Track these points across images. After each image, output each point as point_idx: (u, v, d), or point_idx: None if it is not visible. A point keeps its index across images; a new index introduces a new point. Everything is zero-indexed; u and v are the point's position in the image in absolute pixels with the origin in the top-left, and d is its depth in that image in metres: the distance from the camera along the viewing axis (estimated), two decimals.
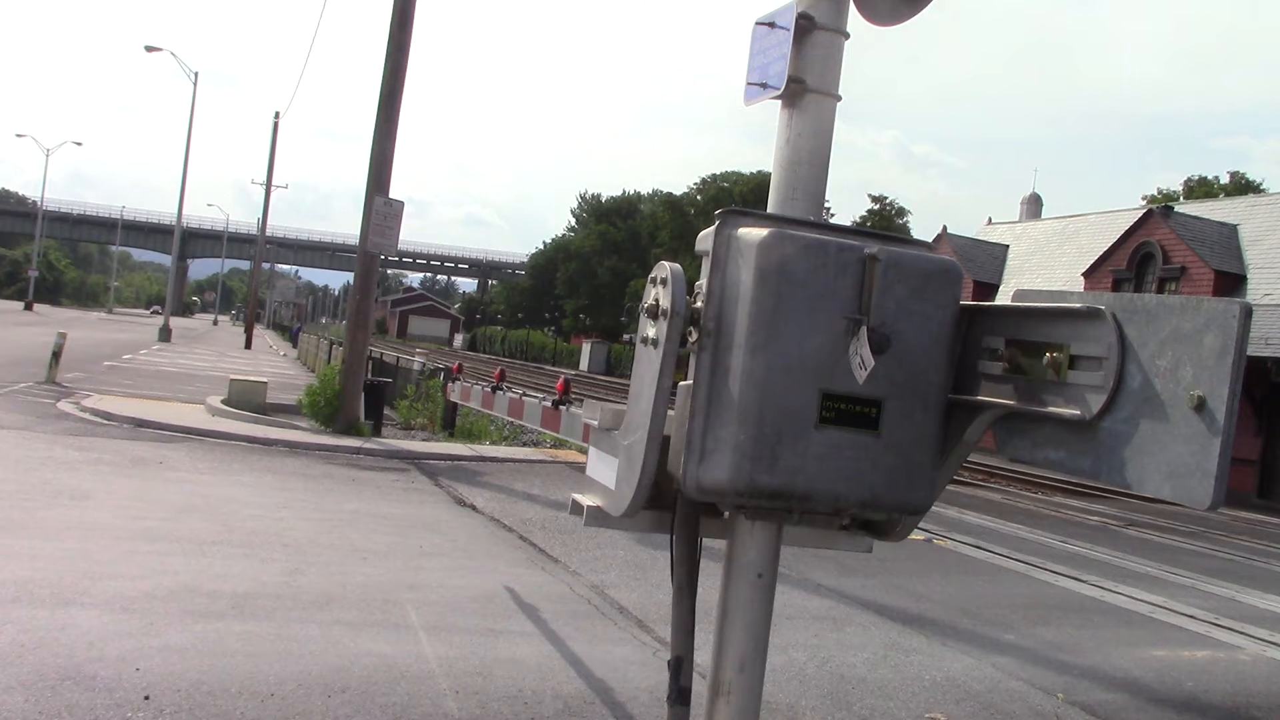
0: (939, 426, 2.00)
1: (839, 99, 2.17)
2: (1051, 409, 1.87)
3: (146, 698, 3.76)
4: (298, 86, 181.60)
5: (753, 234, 1.92)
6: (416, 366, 19.64)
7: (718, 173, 72.90)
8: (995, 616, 7.11)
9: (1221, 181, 56.23)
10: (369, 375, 15.51)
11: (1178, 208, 31.40)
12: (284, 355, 42.89)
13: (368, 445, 12.38)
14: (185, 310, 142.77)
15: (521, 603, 5.86)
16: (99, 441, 10.55)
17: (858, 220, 55.25)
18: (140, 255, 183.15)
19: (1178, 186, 58.31)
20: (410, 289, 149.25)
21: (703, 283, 1.99)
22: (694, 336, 1.97)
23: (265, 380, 16.45)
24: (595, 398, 22.46)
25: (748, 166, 76.67)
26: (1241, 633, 7.42)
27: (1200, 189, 54.66)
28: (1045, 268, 33.92)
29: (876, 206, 60.60)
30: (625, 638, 5.38)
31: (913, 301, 1.93)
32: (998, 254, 36.33)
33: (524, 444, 15.19)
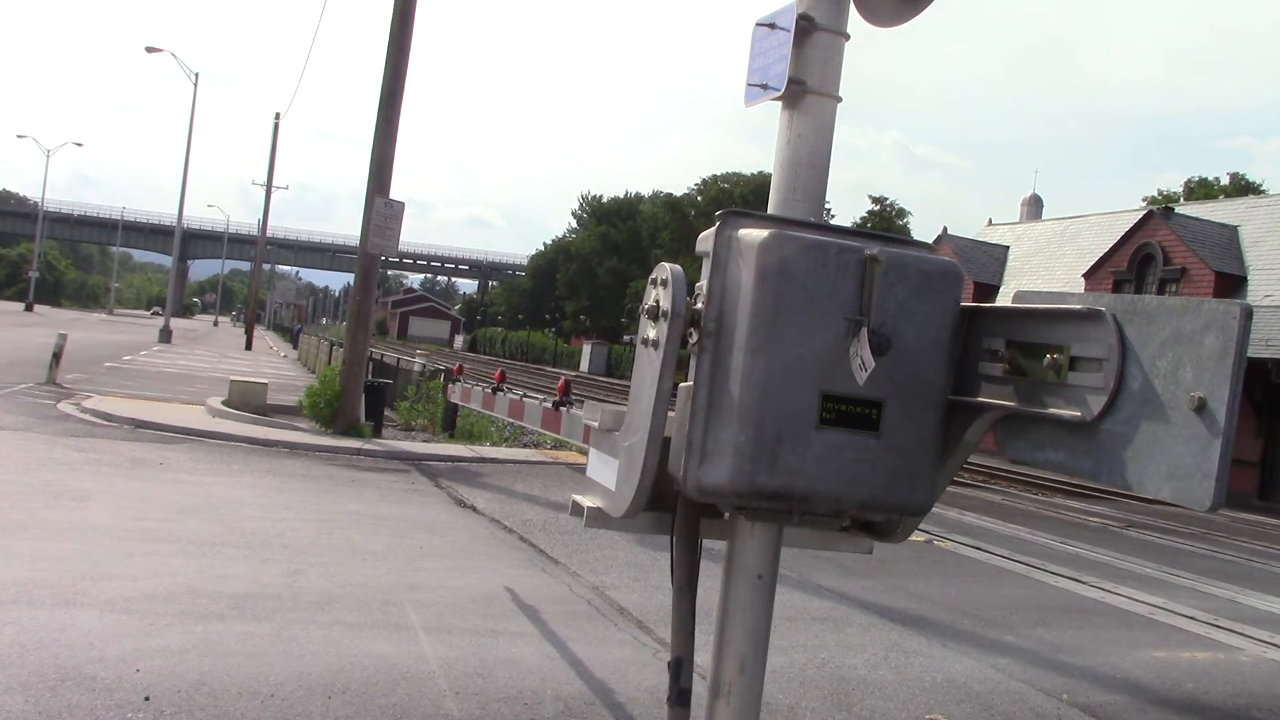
0: (939, 428, 2.00)
1: (839, 100, 2.17)
2: (1052, 410, 1.87)
3: (147, 699, 3.76)
4: (298, 87, 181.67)
5: (753, 235, 1.92)
6: (417, 367, 19.65)
7: (718, 173, 72.82)
8: (996, 618, 7.10)
9: (1222, 183, 56.21)
10: (369, 376, 15.51)
11: (1178, 209, 31.39)
12: (284, 356, 42.89)
13: (368, 446, 12.37)
14: (186, 311, 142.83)
15: (522, 604, 5.86)
16: (99, 442, 10.55)
17: (858, 221, 55.25)
18: (141, 256, 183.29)
19: (1179, 188, 58.30)
20: (411, 290, 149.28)
21: (703, 284, 1.99)
22: (694, 338, 1.97)
23: (266, 381, 16.44)
24: (596, 399, 22.45)
25: (748, 167, 76.56)
26: (1242, 634, 7.42)
27: (1200, 190, 54.65)
28: (1046, 269, 33.93)
29: (877, 207, 60.54)
30: (625, 639, 5.38)
31: (913, 303, 1.93)
32: (998, 255, 36.34)
33: (524, 445, 15.19)
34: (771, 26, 2.18)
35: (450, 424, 15.88)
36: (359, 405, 13.74)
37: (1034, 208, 44.28)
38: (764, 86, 2.19)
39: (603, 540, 7.75)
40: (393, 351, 36.57)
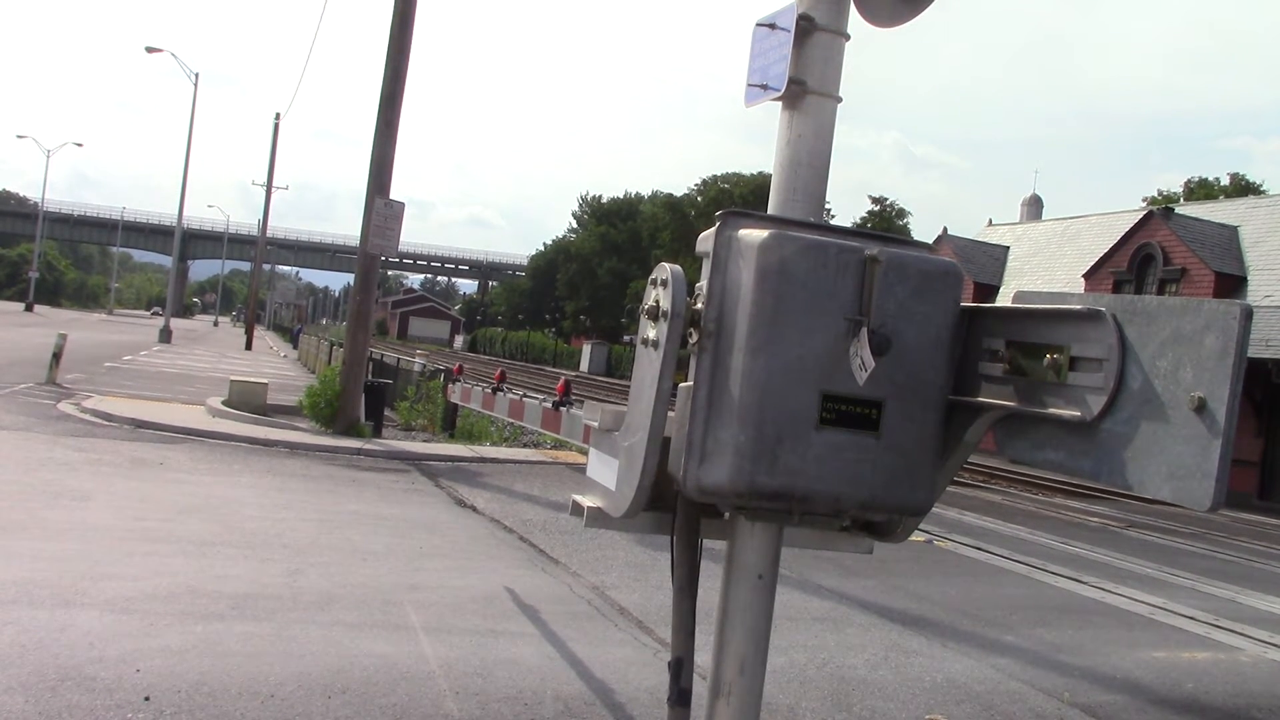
0: (939, 428, 2.00)
1: (839, 100, 2.18)
2: (1052, 410, 1.87)
3: (147, 699, 3.76)
4: (298, 87, 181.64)
5: (753, 235, 1.92)
6: (417, 367, 19.65)
7: (718, 174, 72.78)
8: (996, 618, 7.10)
9: (1222, 183, 56.19)
10: (369, 376, 15.51)
11: (1178, 209, 31.38)
12: (284, 356, 42.90)
13: (368, 446, 12.37)
14: (185, 311, 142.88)
15: (522, 604, 5.86)
16: (99, 442, 10.55)
17: (858, 221, 55.22)
18: (141, 256, 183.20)
19: (1179, 188, 58.29)
20: (411, 290, 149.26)
21: (703, 284, 1.99)
22: (694, 338, 1.97)
23: (266, 381, 16.44)
24: (596, 399, 22.45)
25: (748, 167, 76.53)
26: (1242, 634, 7.42)
27: (1200, 190, 54.64)
28: (1045, 269, 33.93)
29: (877, 208, 60.54)
30: (625, 639, 5.38)
31: (913, 303, 1.93)
32: (998, 255, 36.34)
33: (524, 445, 15.19)
34: (772, 27, 2.19)
35: (450, 424, 15.88)
36: (359, 405, 13.75)
37: (1034, 208, 44.27)
38: (764, 87, 2.19)
39: (603, 540, 7.75)
40: (393, 351, 36.57)
